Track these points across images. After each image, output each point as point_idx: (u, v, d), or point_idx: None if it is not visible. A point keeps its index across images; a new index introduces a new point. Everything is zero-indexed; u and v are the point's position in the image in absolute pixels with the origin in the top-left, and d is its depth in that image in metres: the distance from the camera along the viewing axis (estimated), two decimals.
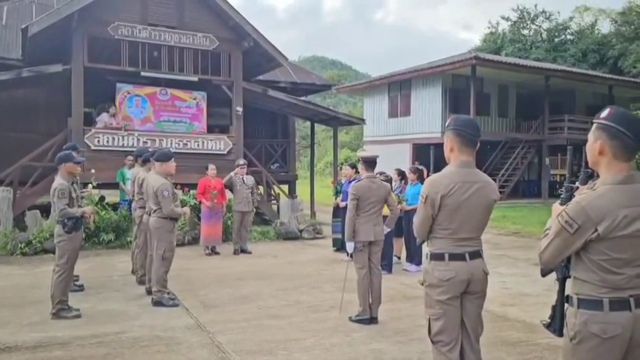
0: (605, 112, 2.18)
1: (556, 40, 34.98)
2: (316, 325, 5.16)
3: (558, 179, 22.69)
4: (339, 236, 9.55)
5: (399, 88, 22.83)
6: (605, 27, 34.98)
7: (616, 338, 2.07)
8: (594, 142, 2.18)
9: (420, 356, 4.25)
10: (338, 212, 9.64)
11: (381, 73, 25.08)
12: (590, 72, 25.41)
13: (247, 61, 12.52)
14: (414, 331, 4.87)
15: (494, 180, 19.42)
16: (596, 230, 2.06)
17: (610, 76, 24.60)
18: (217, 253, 9.35)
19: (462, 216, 2.89)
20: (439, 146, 19.70)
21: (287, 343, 4.60)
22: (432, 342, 2.97)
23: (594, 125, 2.21)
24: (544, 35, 35.68)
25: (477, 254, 2.96)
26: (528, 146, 21.42)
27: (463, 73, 19.80)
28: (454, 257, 2.90)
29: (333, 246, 9.90)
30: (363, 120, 15.90)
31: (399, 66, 24.24)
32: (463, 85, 20.33)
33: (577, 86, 22.99)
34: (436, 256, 2.94)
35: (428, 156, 18.60)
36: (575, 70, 24.81)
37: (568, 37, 35.28)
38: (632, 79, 24.49)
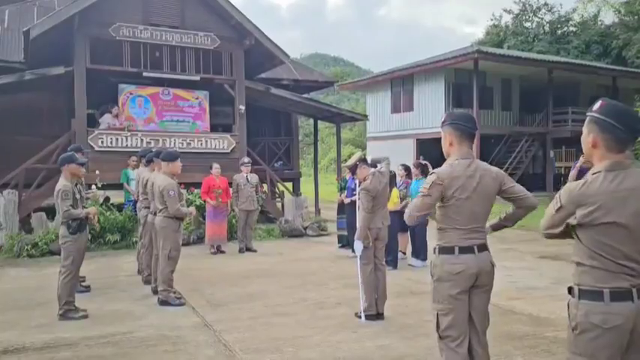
0: (596, 105, 2.21)
1: (559, 32, 34.77)
2: (323, 321, 5.16)
3: (563, 172, 22.58)
4: (345, 233, 9.55)
5: (401, 83, 22.75)
6: (608, 18, 34.76)
7: (617, 329, 2.07)
8: (587, 136, 2.22)
9: (428, 352, 4.24)
10: (343, 209, 9.62)
11: (385, 69, 25.03)
12: (594, 63, 25.26)
13: (249, 59, 12.51)
14: (420, 327, 4.86)
15: None
16: (574, 213, 2.11)
17: (613, 67, 24.44)
18: (223, 252, 9.37)
19: (470, 207, 2.89)
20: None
21: (294, 340, 4.60)
22: (440, 337, 2.95)
23: (587, 118, 2.24)
24: (546, 28, 35.47)
25: (484, 247, 2.95)
26: (532, 139, 21.32)
27: (466, 68, 19.71)
28: (463, 250, 2.89)
29: (339, 242, 9.88)
30: (365, 116, 15.89)
31: (402, 62, 24.17)
32: (466, 79, 20.23)
33: (581, 78, 22.85)
34: (445, 250, 2.92)
35: (432, 151, 18.55)
36: (577, 61, 24.68)
37: (571, 28, 35.05)
38: (636, 70, 24.32)
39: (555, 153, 22.38)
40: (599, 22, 34.54)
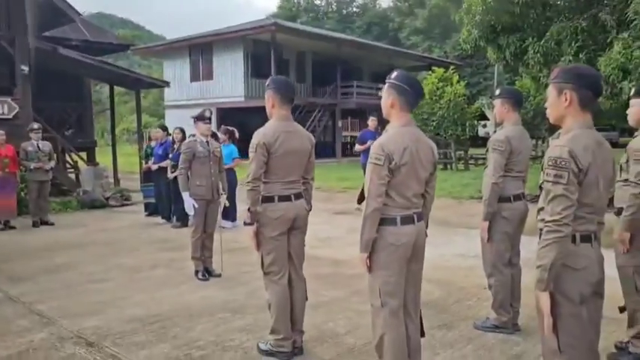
0: (394, 74, 2.83)
1: (344, 11, 37.91)
2: (143, 283, 5.24)
3: (349, 140, 25.13)
4: (152, 200, 9.43)
5: (200, 51, 22.55)
6: (385, 1, 39.09)
7: (405, 245, 2.75)
8: (387, 98, 2.81)
9: (247, 296, 4.68)
10: (149, 176, 9.45)
11: (179, 36, 24.41)
12: (374, 43, 28.32)
13: (32, 14, 11.15)
14: (239, 277, 5.28)
15: None
16: (393, 160, 2.67)
17: (389, 47, 27.79)
18: (13, 227, 8.46)
19: (287, 161, 3.33)
20: (243, 110, 19.92)
21: (116, 301, 4.62)
22: (265, 273, 3.40)
23: (387, 84, 2.82)
24: (334, 6, 38.34)
25: (299, 195, 3.45)
26: (324, 110, 23.20)
27: (264, 39, 20.44)
28: (283, 199, 3.34)
29: (145, 210, 9.72)
30: (167, 83, 15.47)
31: (198, 30, 23.89)
32: (264, 50, 20.98)
33: (364, 56, 25.47)
34: (267, 199, 3.34)
35: (233, 119, 18.96)
36: (361, 40, 27.42)
37: (354, 9, 38.50)
38: (407, 51, 28.03)
39: (343, 123, 24.73)
40: (378, 5, 38.61)
